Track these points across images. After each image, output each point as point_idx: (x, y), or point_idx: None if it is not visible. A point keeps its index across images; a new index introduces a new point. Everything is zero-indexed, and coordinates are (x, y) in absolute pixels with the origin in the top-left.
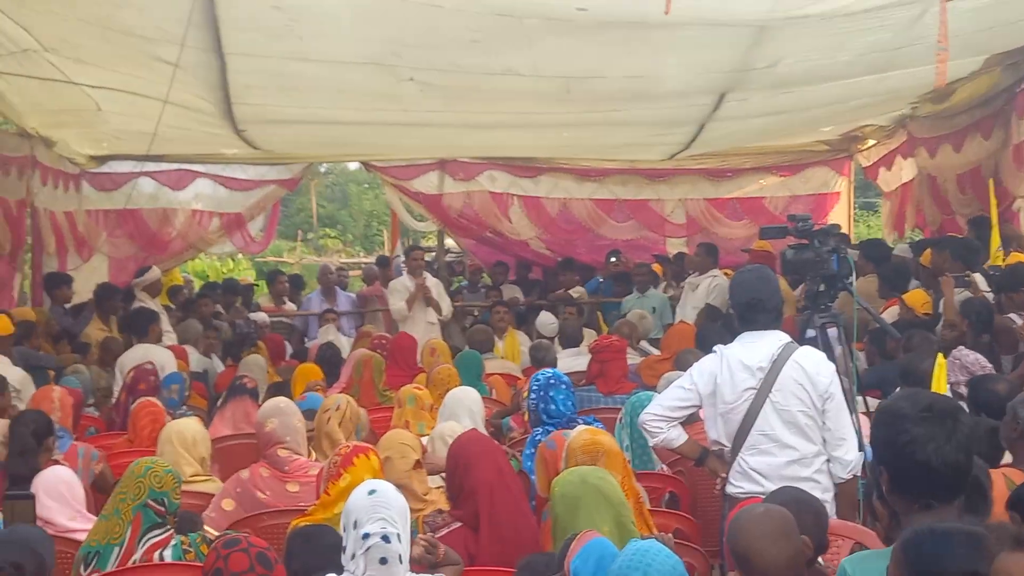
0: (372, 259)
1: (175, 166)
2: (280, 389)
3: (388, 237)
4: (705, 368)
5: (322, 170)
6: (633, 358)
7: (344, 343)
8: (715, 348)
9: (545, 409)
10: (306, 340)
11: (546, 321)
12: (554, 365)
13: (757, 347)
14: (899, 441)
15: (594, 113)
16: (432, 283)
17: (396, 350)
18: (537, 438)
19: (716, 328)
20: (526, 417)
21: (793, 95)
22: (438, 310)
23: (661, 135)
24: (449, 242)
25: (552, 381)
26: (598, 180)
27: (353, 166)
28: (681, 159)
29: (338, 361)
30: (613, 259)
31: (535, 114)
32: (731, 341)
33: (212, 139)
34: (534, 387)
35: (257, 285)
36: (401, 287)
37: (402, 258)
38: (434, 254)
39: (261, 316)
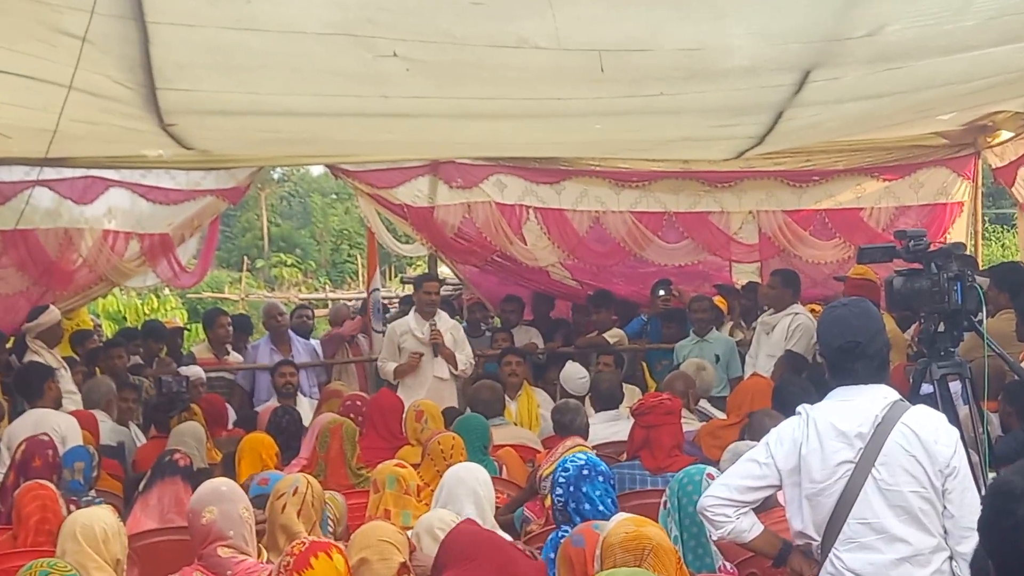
0: (342, 294)
1: (81, 172)
2: (221, 468)
3: (363, 264)
4: (785, 436)
5: (275, 177)
6: (690, 423)
7: (305, 406)
8: (798, 409)
9: (577, 510)
10: (255, 401)
11: (574, 374)
12: (584, 433)
13: (855, 407)
14: (1003, 525)
15: (636, 98)
16: (447, 325)
17: (375, 414)
18: (560, 535)
19: (800, 382)
20: (547, 502)
21: (901, 72)
22: (453, 363)
23: (725, 127)
24: (443, 270)
25: (586, 472)
26: (641, 187)
27: (317, 171)
28: (752, 159)
29: (297, 430)
30: (662, 292)
31: (557, 100)
32: (819, 399)
33: (131, 137)
34: (560, 479)
35: (189, 329)
36: (399, 335)
37: (380, 293)
38: (461, 289)
39: (195, 371)
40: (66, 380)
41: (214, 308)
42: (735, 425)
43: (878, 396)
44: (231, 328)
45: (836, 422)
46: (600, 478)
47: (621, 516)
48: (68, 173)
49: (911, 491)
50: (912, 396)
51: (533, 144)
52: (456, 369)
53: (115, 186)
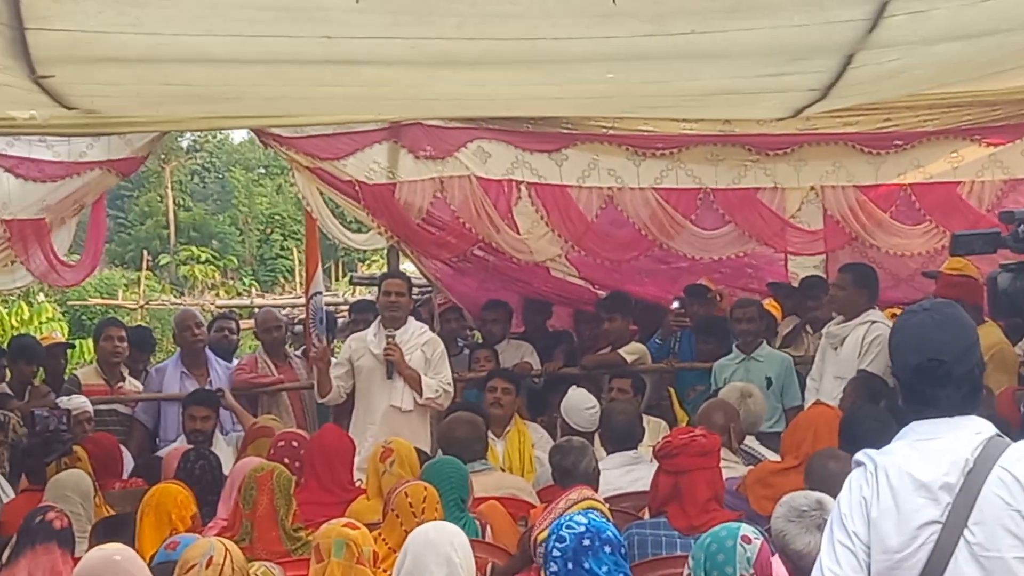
0: (273, 300)
1: None
2: (115, 529)
3: (300, 260)
4: (855, 495)
5: (184, 145)
6: (733, 467)
7: (224, 447)
8: (859, 457)
9: None
10: (159, 441)
11: (579, 404)
12: (593, 481)
13: (938, 449)
14: None
15: (659, 38)
16: (418, 340)
17: (316, 458)
18: None
19: (877, 413)
20: None
21: (1009, 2)
22: (417, 388)
23: (778, 76)
24: (408, 268)
25: (587, 541)
26: (669, 156)
27: (239, 137)
28: (813, 118)
29: (214, 480)
30: (696, 295)
31: (556, 41)
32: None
33: None
34: (555, 552)
35: (73, 346)
36: (354, 349)
37: (323, 297)
38: (430, 292)
39: (79, 402)
40: None
41: (106, 319)
42: (792, 470)
43: (968, 432)
44: (125, 345)
45: (914, 471)
46: (606, 548)
47: None
48: None
49: (1015, 557)
50: (1019, 430)
51: (526, 100)
52: (421, 397)
53: None
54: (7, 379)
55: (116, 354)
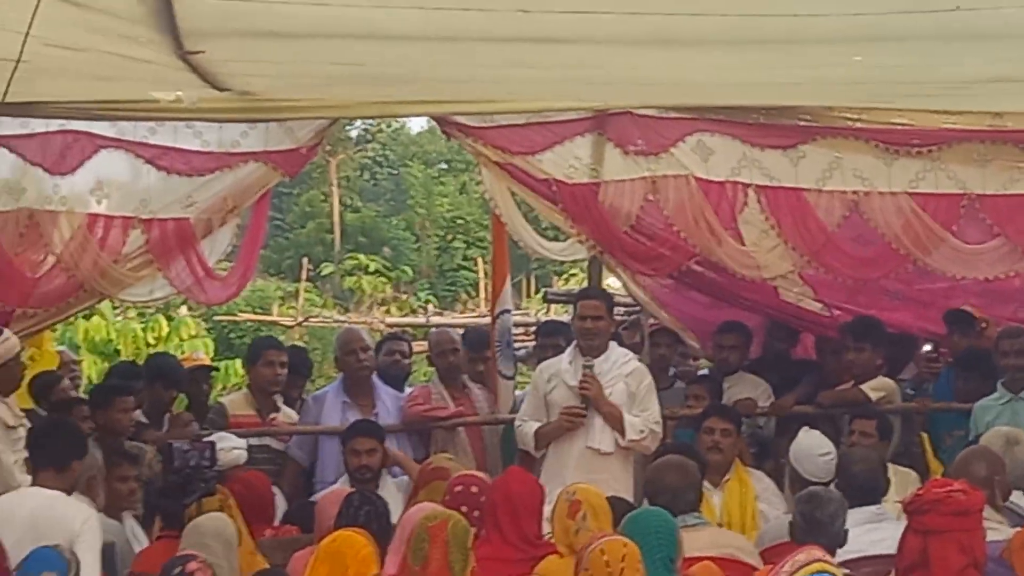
0: (453, 319)
1: (56, 125)
2: None
3: (487, 273)
4: None
5: (353, 135)
6: (997, 528)
7: (393, 490)
8: None
9: None
10: (316, 483)
11: (812, 448)
12: (839, 541)
13: None
14: None
15: (918, 15)
16: (621, 370)
17: (500, 506)
18: None
19: None
20: None
21: None
22: (619, 428)
23: None
24: (612, 282)
25: None
26: (927, 155)
27: (417, 126)
28: None
29: (382, 529)
30: (959, 324)
31: (795, 17)
32: None
33: (133, 71)
34: None
35: (217, 370)
36: (547, 380)
37: (511, 317)
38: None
39: (233, 444)
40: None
41: (263, 338)
42: None
43: None
44: (283, 369)
45: None
46: None
47: None
48: (37, 127)
49: None
50: None
51: (756, 86)
52: (623, 439)
53: (108, 147)
54: (142, 406)
55: (276, 382)
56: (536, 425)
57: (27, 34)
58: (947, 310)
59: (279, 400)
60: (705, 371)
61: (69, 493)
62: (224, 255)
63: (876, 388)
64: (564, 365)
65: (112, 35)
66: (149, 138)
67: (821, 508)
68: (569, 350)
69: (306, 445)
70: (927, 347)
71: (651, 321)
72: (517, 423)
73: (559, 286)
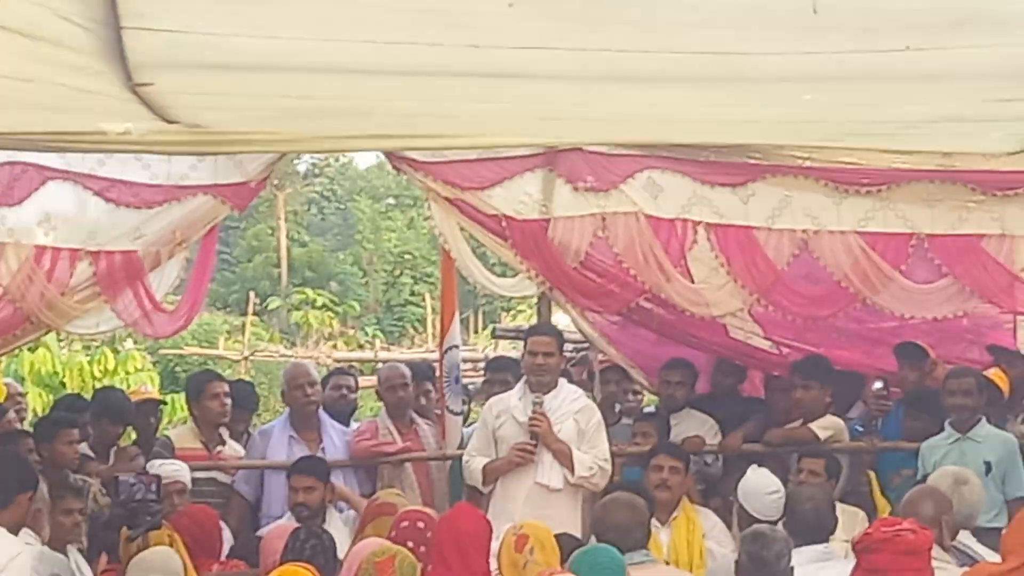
0: (399, 354)
1: (3, 157)
2: None
3: (434, 309)
4: None
5: (301, 170)
6: (944, 568)
7: (339, 525)
8: None
9: None
10: (262, 518)
11: (760, 488)
12: None
13: None
14: None
15: (867, 55)
16: (571, 407)
17: (446, 542)
18: None
19: None
20: None
21: None
22: (568, 464)
23: (1010, 101)
24: (561, 320)
25: None
26: (876, 194)
27: (366, 161)
28: None
29: (327, 564)
30: (909, 358)
31: (745, 56)
32: None
33: (82, 102)
34: None
35: (165, 403)
36: (495, 416)
37: (459, 352)
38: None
39: (172, 468)
40: None
41: (203, 372)
42: (1015, 571)
43: None
44: (227, 402)
45: None
46: None
47: None
48: None
49: None
50: None
51: (707, 124)
52: (572, 475)
53: (56, 178)
54: (88, 439)
55: (222, 414)
56: (484, 461)
57: None
58: (898, 343)
59: (225, 434)
60: (651, 408)
61: (16, 528)
62: (172, 288)
63: (824, 427)
64: (514, 401)
65: (61, 66)
66: (97, 170)
67: (767, 548)
68: (518, 386)
69: (252, 479)
70: (878, 384)
71: (600, 358)
72: (465, 459)
73: (507, 322)
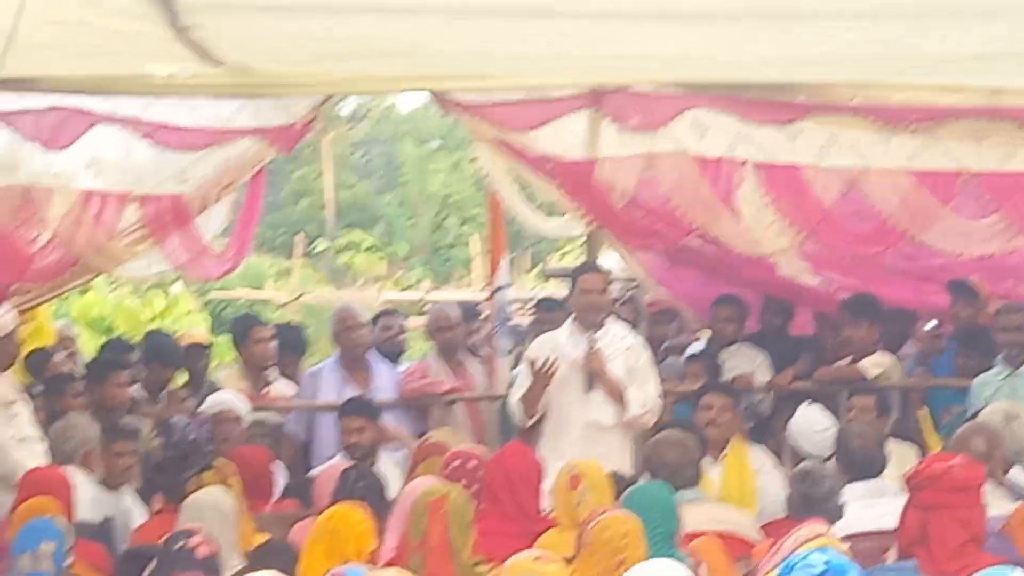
0: (448, 294)
1: (49, 102)
2: (268, 558)
3: (482, 249)
4: None
5: (345, 113)
6: (997, 503)
7: (390, 466)
8: None
9: None
10: (312, 458)
11: (810, 425)
12: (835, 516)
13: None
14: None
15: None
16: (620, 344)
17: (498, 481)
18: None
19: None
20: None
21: None
22: (620, 400)
23: None
24: (609, 260)
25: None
26: (925, 131)
27: (411, 104)
28: None
29: (379, 504)
30: (958, 300)
31: None
32: None
33: (127, 45)
34: None
35: (211, 345)
36: (544, 356)
37: (508, 292)
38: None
39: (225, 398)
40: (22, 420)
41: (246, 315)
42: None
43: None
44: (275, 345)
45: None
46: None
47: None
48: (29, 102)
49: None
50: None
51: (753, 62)
52: (627, 413)
53: (102, 123)
54: (140, 381)
55: (268, 358)
56: (520, 392)
57: (18, 14)
58: (950, 280)
59: (275, 372)
60: (700, 344)
61: None
62: (220, 231)
63: (875, 364)
64: (563, 339)
65: (107, 9)
66: (143, 114)
67: (817, 485)
68: (566, 324)
69: (303, 420)
70: (932, 323)
71: (648, 299)
72: (511, 399)
73: (556, 262)
